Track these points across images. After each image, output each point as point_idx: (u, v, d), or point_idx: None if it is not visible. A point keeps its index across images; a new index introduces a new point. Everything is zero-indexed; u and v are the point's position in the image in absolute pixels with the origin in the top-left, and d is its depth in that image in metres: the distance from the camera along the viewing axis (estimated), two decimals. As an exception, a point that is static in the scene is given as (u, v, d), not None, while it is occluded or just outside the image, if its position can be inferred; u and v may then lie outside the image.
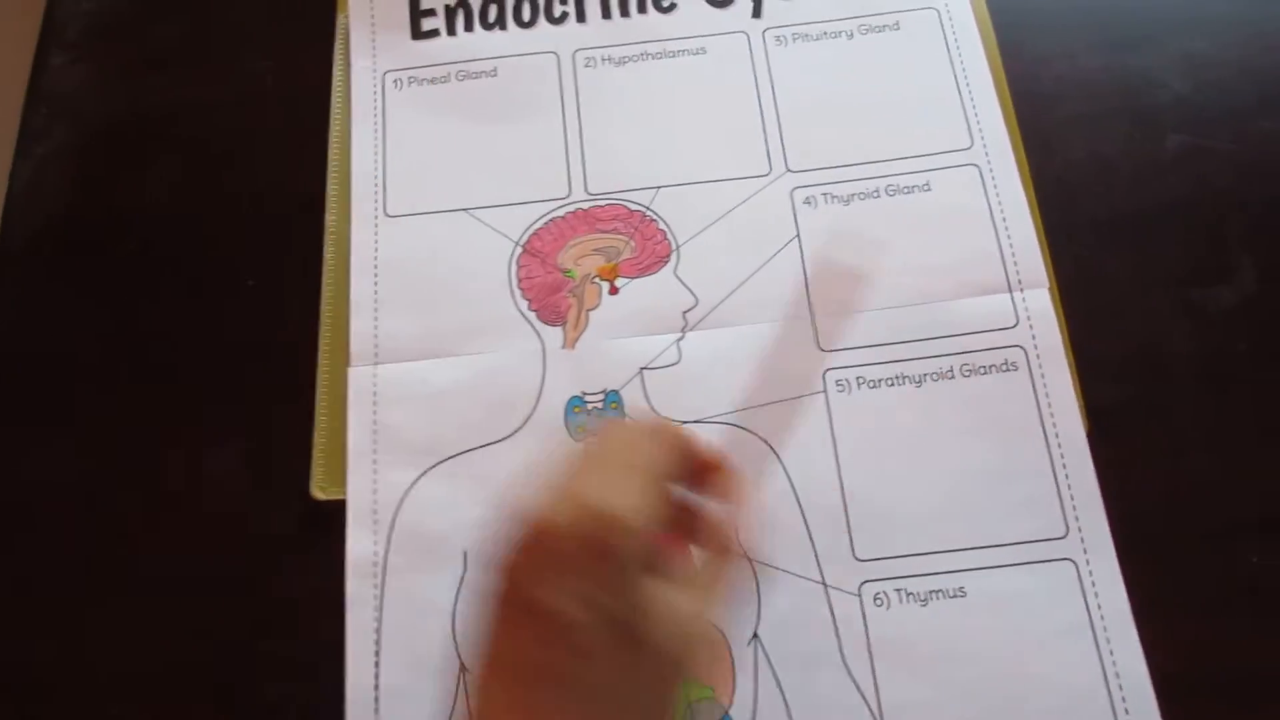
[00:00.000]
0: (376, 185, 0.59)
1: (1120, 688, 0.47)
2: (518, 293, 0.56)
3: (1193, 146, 0.58)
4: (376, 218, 0.59)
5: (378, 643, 0.50)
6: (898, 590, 0.50)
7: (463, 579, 0.51)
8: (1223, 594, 0.50)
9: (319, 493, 0.53)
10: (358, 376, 0.55)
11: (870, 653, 0.49)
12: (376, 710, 0.49)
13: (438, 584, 0.51)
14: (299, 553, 0.53)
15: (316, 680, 0.50)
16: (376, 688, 0.49)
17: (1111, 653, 0.48)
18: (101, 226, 0.60)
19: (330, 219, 0.59)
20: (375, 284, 0.57)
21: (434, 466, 0.53)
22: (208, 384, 0.56)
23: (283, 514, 0.53)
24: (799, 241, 0.57)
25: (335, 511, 0.52)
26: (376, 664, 0.50)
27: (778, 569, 0.50)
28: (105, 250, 0.60)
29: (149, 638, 0.51)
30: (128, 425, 0.56)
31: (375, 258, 0.58)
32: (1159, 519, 0.51)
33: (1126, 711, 0.47)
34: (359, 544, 0.52)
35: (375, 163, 0.60)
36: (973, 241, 0.56)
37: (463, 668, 0.49)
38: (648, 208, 0.58)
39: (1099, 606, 0.49)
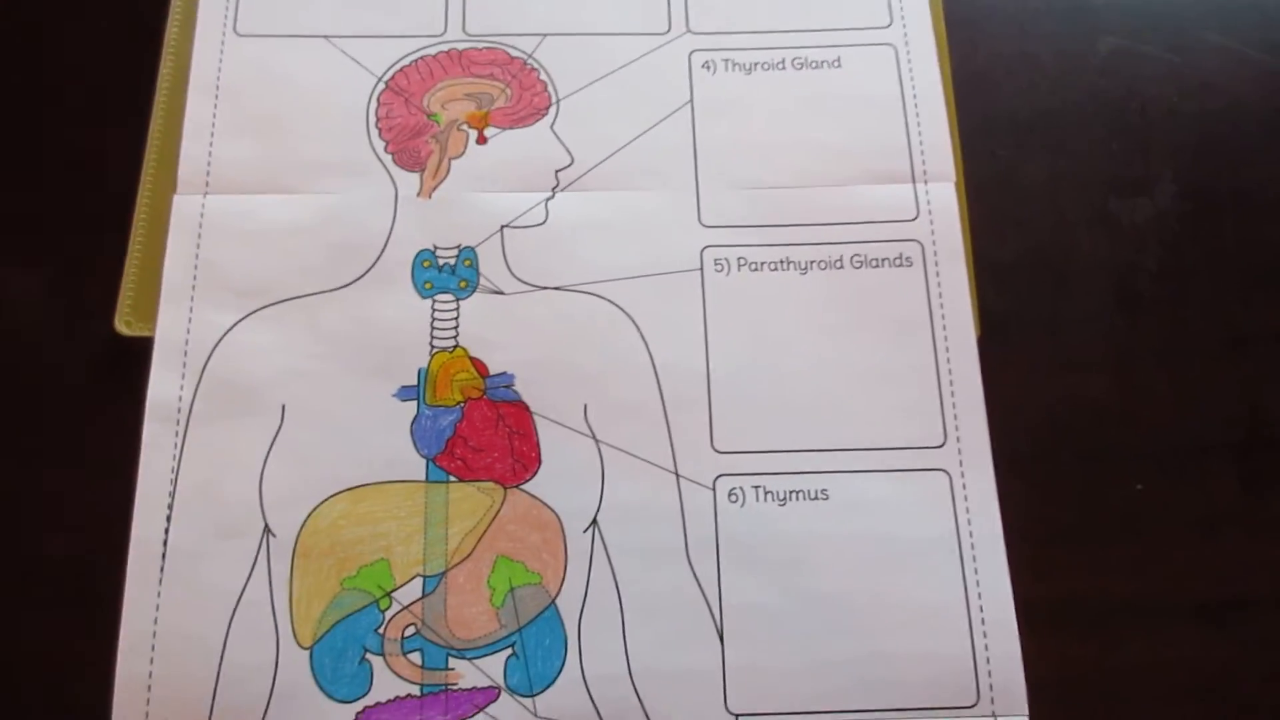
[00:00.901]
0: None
1: (981, 609, 0.44)
2: (374, 132, 0.50)
3: (1126, 50, 0.54)
4: (224, 34, 0.52)
5: (172, 495, 0.44)
6: (755, 488, 0.45)
7: (277, 434, 0.45)
8: (1100, 521, 0.46)
9: (124, 328, 0.47)
10: (183, 205, 0.49)
11: (718, 551, 0.44)
12: (161, 570, 0.43)
13: (248, 437, 0.45)
14: (94, 390, 0.47)
15: (100, 533, 0.44)
16: (165, 544, 0.44)
17: (976, 572, 0.44)
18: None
19: (172, 31, 0.52)
20: (214, 106, 0.51)
21: (258, 310, 0.47)
22: (6, 195, 0.50)
23: (80, 347, 0.47)
24: (691, 107, 0.51)
25: (140, 351, 0.46)
26: (168, 519, 0.44)
27: (627, 453, 0.46)
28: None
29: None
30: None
31: (218, 78, 0.51)
32: (1043, 437, 0.47)
33: (985, 634, 0.43)
34: (162, 385, 0.46)
35: (229, -28, 0.53)
36: (880, 126, 0.51)
37: (268, 531, 0.44)
38: (530, 55, 0.52)
39: (969, 523, 0.45)
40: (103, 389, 0.47)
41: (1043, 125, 0.52)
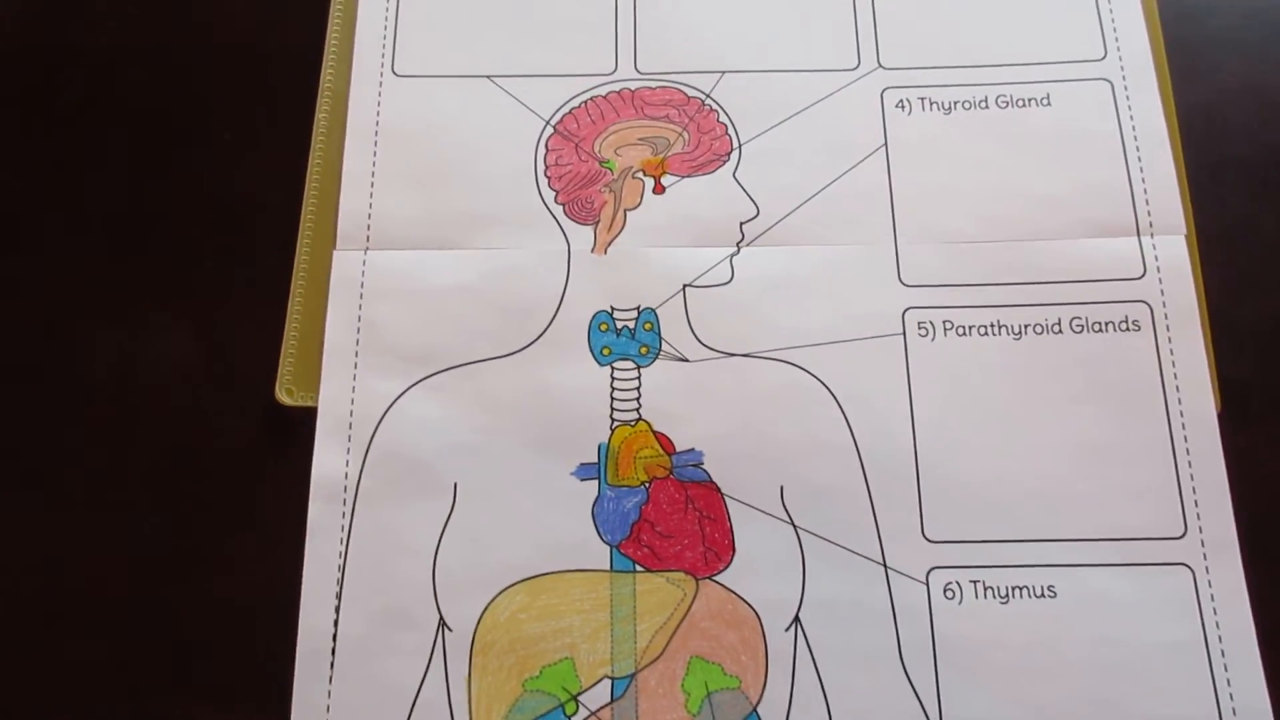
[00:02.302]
0: (385, 37, 0.49)
1: (1236, 725, 0.39)
2: (543, 181, 0.47)
3: (1370, 82, 0.48)
4: (381, 76, 0.49)
5: (340, 582, 0.41)
6: (974, 582, 0.41)
7: (449, 516, 0.42)
8: (1366, 622, 0.41)
9: (285, 397, 0.44)
10: (344, 262, 0.46)
11: (935, 654, 0.40)
12: (332, 664, 0.40)
13: (419, 519, 0.42)
14: (255, 466, 0.44)
15: (265, 621, 0.41)
16: (334, 636, 0.41)
17: (1229, 682, 0.39)
18: (43, 67, 0.50)
19: (327, 73, 0.49)
20: (374, 155, 0.47)
21: (426, 378, 0.44)
22: (162, 258, 0.47)
23: (240, 419, 0.44)
24: (885, 151, 0.47)
25: (303, 421, 0.43)
26: (337, 608, 0.41)
27: (829, 541, 0.41)
28: (46, 94, 0.50)
29: (64, 555, 0.43)
30: (62, 301, 0.46)
31: (377, 123, 0.48)
32: (1297, 525, 0.42)
33: (1242, 755, 0.39)
34: (328, 461, 0.43)
35: (385, 9, 0.50)
36: (1097, 171, 0.46)
37: (442, 623, 0.41)
38: (708, 95, 0.48)
39: (1217, 625, 0.40)
40: (265, 462, 0.44)
41: (1277, 167, 0.47)
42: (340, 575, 0.41)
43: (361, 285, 0.45)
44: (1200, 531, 0.41)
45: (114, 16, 0.51)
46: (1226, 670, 0.40)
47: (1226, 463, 0.42)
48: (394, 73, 0.49)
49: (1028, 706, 0.39)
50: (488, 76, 0.49)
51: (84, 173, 0.48)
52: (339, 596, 0.41)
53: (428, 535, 0.42)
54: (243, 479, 0.44)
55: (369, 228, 0.46)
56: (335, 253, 0.46)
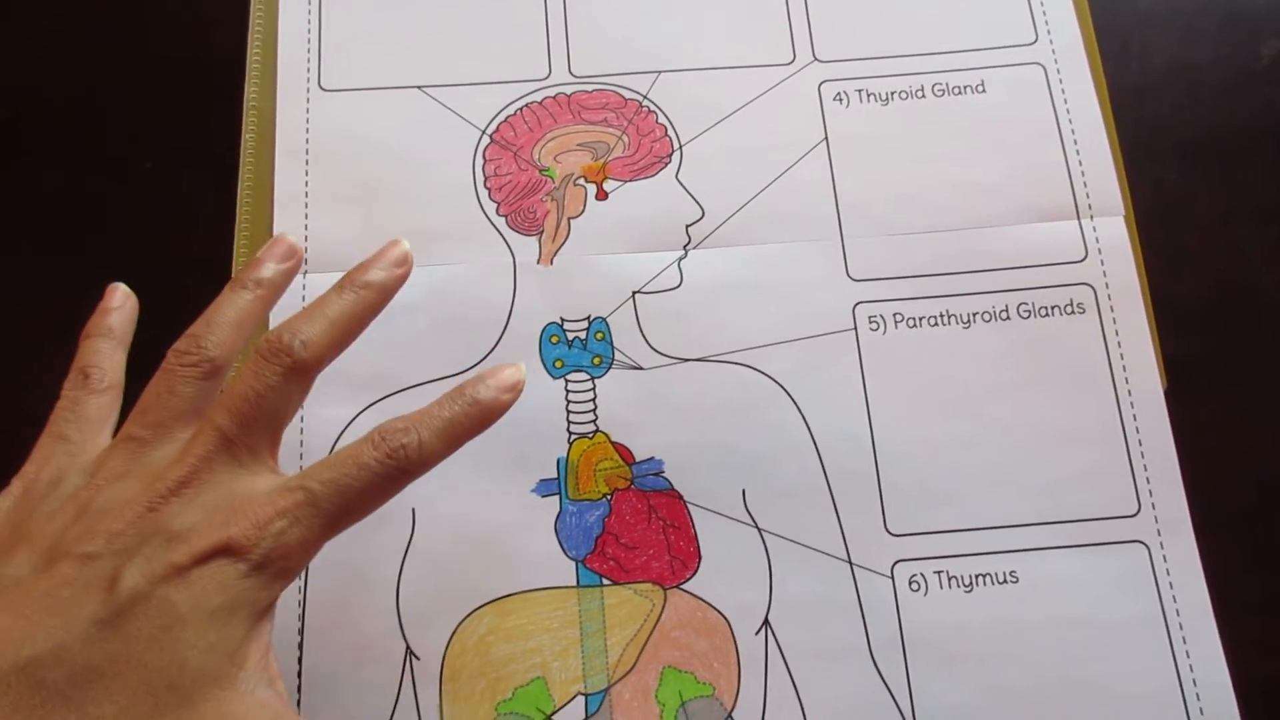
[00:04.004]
0: (309, 51, 0.48)
1: (1198, 696, 0.40)
2: (484, 193, 0.46)
3: (1293, 55, 0.49)
4: (308, 92, 0.47)
5: (301, 619, 0.40)
6: (937, 573, 0.41)
7: (409, 543, 0.41)
8: (1315, 587, 0.42)
9: (230, 431, 0.42)
10: (282, 288, 0.44)
11: (904, 646, 0.40)
12: (299, 703, 0.39)
13: (378, 549, 0.41)
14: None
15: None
16: (299, 674, 0.40)
17: (1188, 654, 0.40)
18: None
19: (251, 91, 0.47)
20: (305, 174, 0.46)
21: (376, 402, 0.43)
22: (92, 294, 0.45)
23: (184, 455, 0.43)
24: (826, 146, 0.47)
25: (250, 454, 0.42)
26: (300, 645, 0.40)
27: (793, 541, 0.42)
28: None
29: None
30: (-12, 337, 0.44)
31: (306, 141, 0.46)
32: (1248, 496, 0.43)
33: (1204, 723, 0.40)
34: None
35: (308, 22, 0.48)
36: (1035, 156, 0.47)
37: (409, 653, 0.40)
38: (645, 96, 0.48)
39: (1174, 599, 0.41)
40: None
41: (1211, 144, 0.47)
42: (301, 612, 0.40)
43: (302, 310, 0.44)
44: (1153, 509, 0.42)
45: (33, 44, 0.49)
46: (1185, 643, 0.40)
47: (1175, 439, 0.43)
48: (320, 87, 0.47)
49: (996, 691, 0.40)
50: (418, 87, 0.47)
51: (4, 198, 0.46)
52: (301, 633, 0.40)
53: (388, 564, 0.41)
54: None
55: (306, 250, 0.45)
56: (273, 278, 0.44)
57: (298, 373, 0.33)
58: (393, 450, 0.32)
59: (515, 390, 0.34)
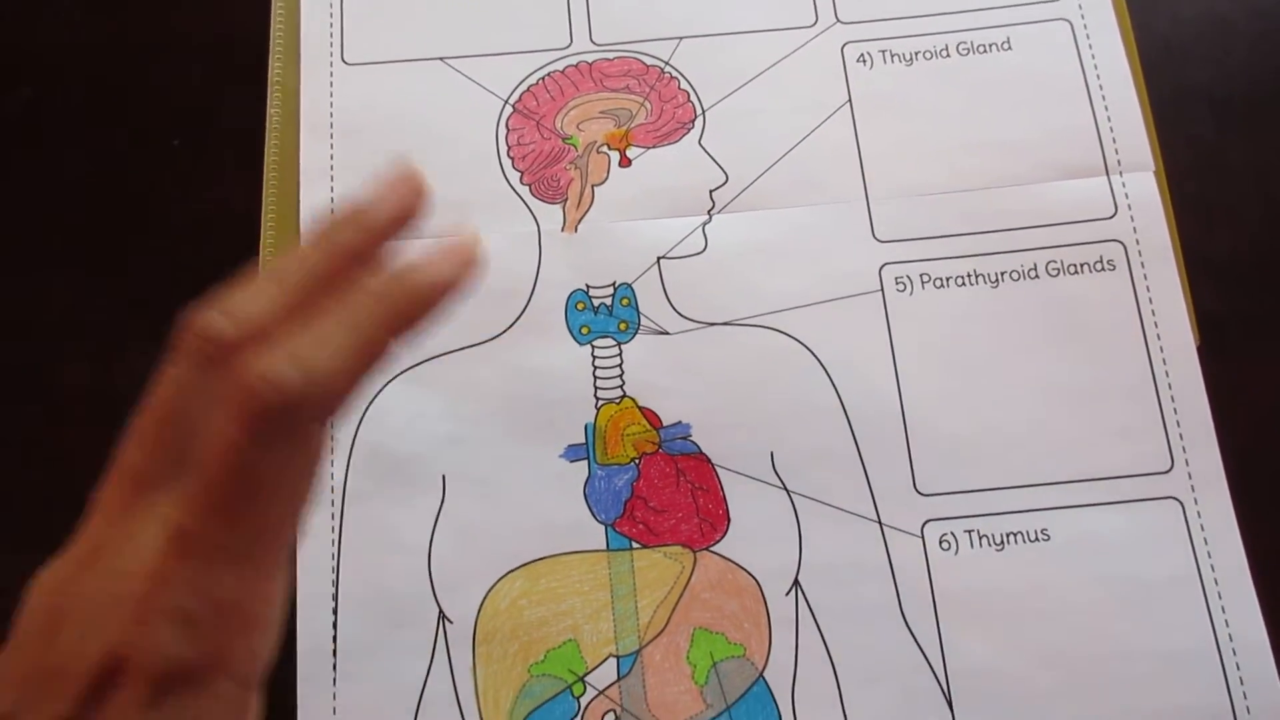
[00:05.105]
0: (331, 25, 0.48)
1: (1234, 652, 0.39)
2: (507, 162, 0.46)
3: (1327, 5, 0.48)
4: (332, 66, 0.48)
5: (335, 585, 0.41)
6: (968, 532, 0.41)
7: (440, 509, 0.42)
8: (1353, 542, 0.41)
9: (262, 402, 0.43)
10: (310, 260, 0.45)
11: (935, 605, 0.40)
12: (334, 666, 0.40)
13: (409, 514, 0.42)
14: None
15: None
16: (334, 639, 0.40)
17: (1223, 610, 0.40)
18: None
19: (275, 66, 0.48)
20: (331, 147, 0.46)
21: (404, 371, 0.43)
22: (123, 269, 0.46)
23: (217, 427, 0.43)
24: (850, 108, 0.47)
25: (282, 425, 0.42)
26: (334, 610, 0.40)
27: (823, 503, 0.41)
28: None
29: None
30: (13, 326, 0.45)
31: (330, 115, 0.47)
32: (1281, 451, 0.42)
33: (1241, 681, 0.39)
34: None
35: (331, -4, 0.49)
36: (1063, 113, 0.46)
37: (442, 617, 0.40)
38: (667, 63, 0.47)
39: (1209, 555, 0.41)
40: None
41: (1241, 97, 0.47)
42: (335, 578, 0.41)
43: (331, 282, 0.44)
44: (1187, 465, 0.42)
45: (59, 22, 0.50)
46: (1221, 599, 0.40)
47: (1208, 395, 0.42)
48: (343, 61, 0.48)
49: (1029, 649, 0.40)
50: (440, 59, 0.47)
51: (36, 180, 0.47)
52: (335, 599, 0.41)
53: (420, 530, 0.41)
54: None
55: (333, 222, 0.45)
56: (301, 250, 0.45)
57: (294, 430, 0.24)
58: (249, 399, 0.23)
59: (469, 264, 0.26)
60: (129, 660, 0.23)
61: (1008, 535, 0.41)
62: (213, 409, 0.24)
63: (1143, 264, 0.44)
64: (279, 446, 0.24)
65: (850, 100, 0.47)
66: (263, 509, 0.24)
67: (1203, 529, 0.41)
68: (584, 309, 0.44)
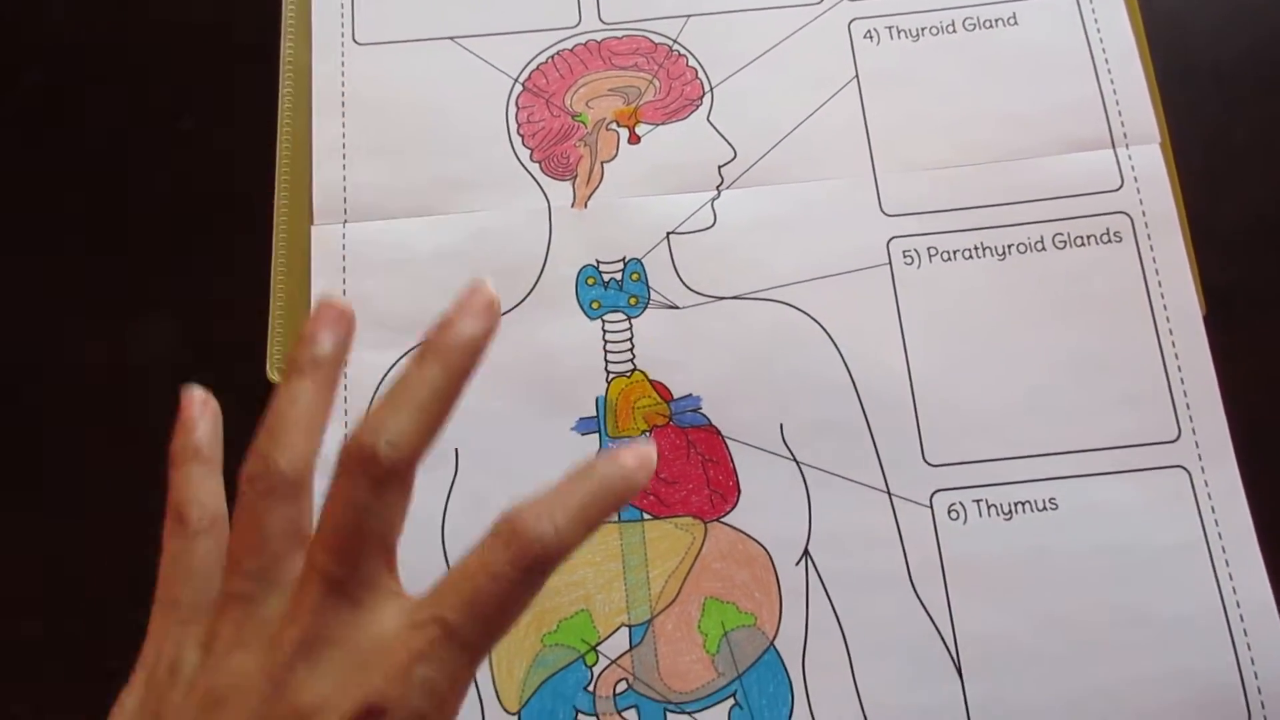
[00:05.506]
0: (342, 5, 0.49)
1: (1241, 618, 0.40)
2: (517, 140, 0.46)
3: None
4: (343, 46, 0.48)
5: (350, 558, 0.41)
6: (976, 501, 0.41)
7: (453, 483, 0.42)
8: (1360, 509, 0.42)
9: (276, 375, 0.44)
10: (323, 236, 0.45)
11: (944, 574, 0.41)
12: (349, 638, 0.40)
13: (422, 488, 0.41)
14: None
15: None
16: (349, 611, 0.41)
17: (1231, 577, 0.40)
18: None
19: (287, 46, 0.48)
20: (343, 126, 0.47)
21: (417, 347, 0.44)
22: (138, 248, 0.46)
23: (233, 401, 0.44)
24: (857, 84, 0.47)
25: (297, 400, 0.43)
26: (348, 583, 0.41)
27: (832, 473, 0.42)
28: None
29: (60, 556, 0.42)
30: (33, 301, 0.46)
31: (342, 94, 0.47)
32: (1288, 420, 0.43)
33: (1249, 646, 0.39)
34: (327, 439, 0.42)
35: (341, -24, 0.49)
36: (1069, 86, 0.46)
37: (453, 588, 0.41)
38: (675, 40, 0.48)
39: (1216, 523, 0.41)
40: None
41: (1248, 70, 0.47)
42: (350, 549, 0.41)
43: (343, 259, 0.45)
44: (1194, 434, 0.42)
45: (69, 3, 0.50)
46: (1229, 566, 0.40)
47: (1215, 364, 0.42)
48: (355, 41, 0.48)
49: (1038, 617, 0.40)
50: (451, 38, 0.48)
51: (46, 161, 0.48)
52: (351, 570, 0.41)
53: (433, 503, 0.42)
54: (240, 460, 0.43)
55: (345, 200, 0.46)
56: (313, 228, 0.45)
57: (393, 480, 0.28)
58: (526, 548, 0.26)
59: (646, 466, 0.28)
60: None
61: (1016, 505, 0.41)
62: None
63: (1149, 235, 0.44)
64: (387, 497, 0.28)
65: (857, 76, 0.47)
66: (382, 546, 0.28)
67: (1210, 496, 0.41)
68: (594, 284, 0.44)
